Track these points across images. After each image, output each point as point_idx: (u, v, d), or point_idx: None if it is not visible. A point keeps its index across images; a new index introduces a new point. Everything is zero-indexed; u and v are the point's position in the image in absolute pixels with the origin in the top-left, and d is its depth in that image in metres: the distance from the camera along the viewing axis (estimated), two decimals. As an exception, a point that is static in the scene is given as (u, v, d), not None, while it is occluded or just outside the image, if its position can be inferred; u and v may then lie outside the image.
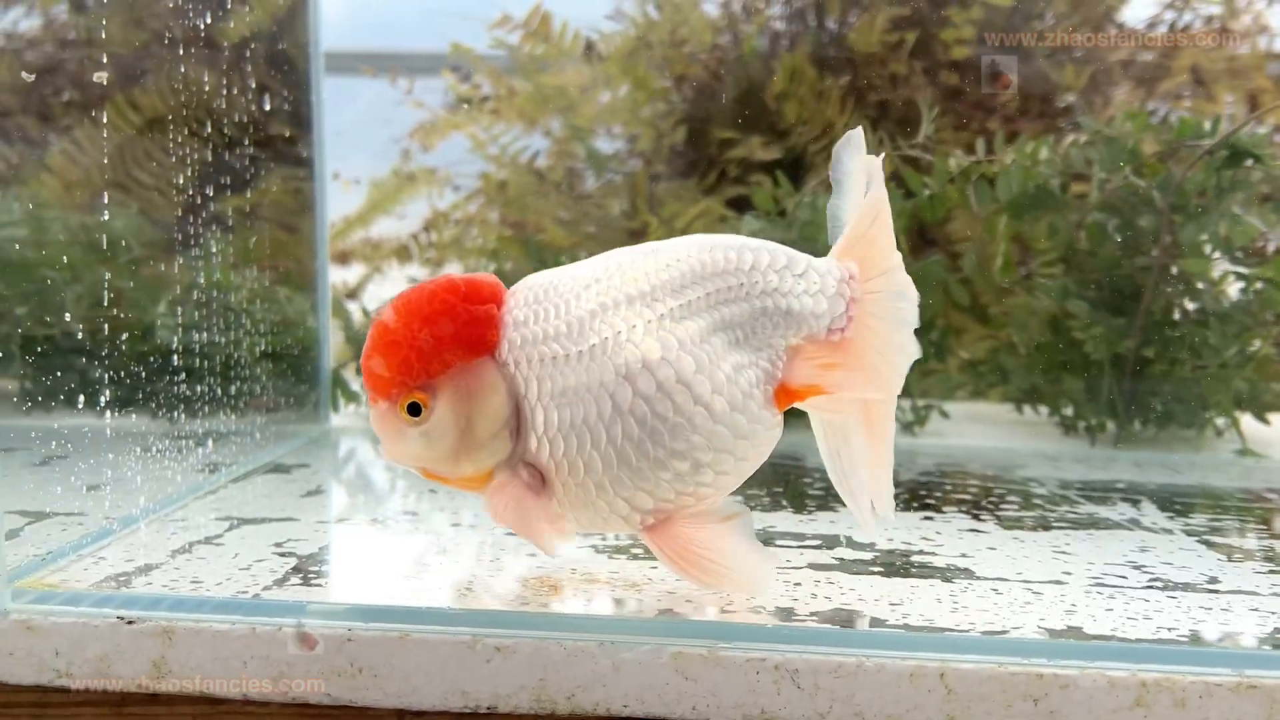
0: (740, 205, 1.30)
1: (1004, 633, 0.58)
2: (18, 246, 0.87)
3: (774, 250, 0.60)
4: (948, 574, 0.67)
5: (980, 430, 1.13)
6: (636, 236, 1.36)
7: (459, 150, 1.53)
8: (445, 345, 0.58)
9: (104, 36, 0.81)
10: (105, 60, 0.80)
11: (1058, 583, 0.66)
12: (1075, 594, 0.64)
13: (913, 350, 0.61)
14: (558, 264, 0.66)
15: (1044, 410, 1.11)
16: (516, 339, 0.59)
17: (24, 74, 0.78)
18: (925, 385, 1.14)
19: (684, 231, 1.32)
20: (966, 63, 1.27)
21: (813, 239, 1.12)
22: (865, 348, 0.60)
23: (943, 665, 0.55)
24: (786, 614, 0.60)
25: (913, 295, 0.61)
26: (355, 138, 1.51)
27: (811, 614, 0.60)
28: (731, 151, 1.34)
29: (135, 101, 0.90)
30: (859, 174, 0.62)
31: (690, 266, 0.59)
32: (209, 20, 0.88)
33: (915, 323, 0.61)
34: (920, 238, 1.25)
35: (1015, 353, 1.11)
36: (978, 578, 0.67)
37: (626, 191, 1.45)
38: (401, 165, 1.59)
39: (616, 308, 0.58)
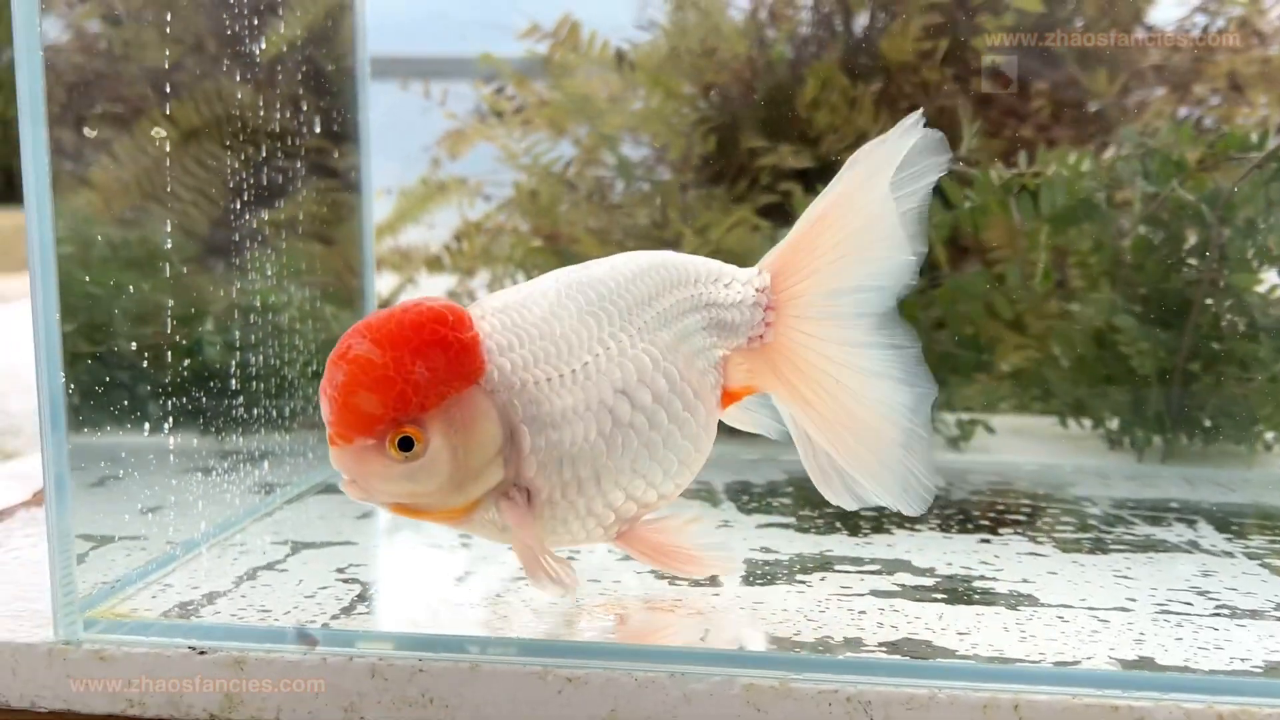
0: (771, 213, 1.30)
1: (1075, 663, 0.58)
2: (91, 267, 0.88)
3: (706, 263, 0.65)
4: (1012, 601, 0.67)
5: (1024, 445, 1.13)
6: (671, 247, 1.36)
7: (488, 159, 1.52)
8: (441, 378, 0.56)
9: (160, 53, 0.81)
10: (165, 79, 0.81)
11: (1123, 610, 0.66)
12: (1142, 622, 0.64)
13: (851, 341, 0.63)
14: None
15: (1087, 423, 1.10)
16: (506, 365, 0.58)
17: (86, 130, 0.79)
18: (968, 399, 1.14)
19: (719, 241, 1.31)
20: (998, 70, 1.26)
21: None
22: (783, 353, 0.64)
23: (1016, 697, 0.55)
24: (854, 644, 0.60)
25: (849, 287, 0.63)
26: (381, 145, 1.51)
27: (880, 644, 0.60)
28: (762, 159, 1.34)
29: (184, 115, 0.90)
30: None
31: (651, 280, 0.62)
32: (259, 37, 0.88)
33: (845, 314, 0.63)
34: (953, 246, 1.25)
35: (1057, 366, 1.10)
36: (1042, 605, 0.66)
37: (657, 201, 1.44)
38: (430, 174, 1.59)
39: (600, 324, 0.60)
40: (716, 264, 0.65)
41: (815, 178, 1.25)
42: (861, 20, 1.39)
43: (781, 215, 1.24)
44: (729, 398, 0.66)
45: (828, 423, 0.63)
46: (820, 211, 0.63)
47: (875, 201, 0.62)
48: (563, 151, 1.46)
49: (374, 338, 0.56)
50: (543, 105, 1.46)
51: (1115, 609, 0.66)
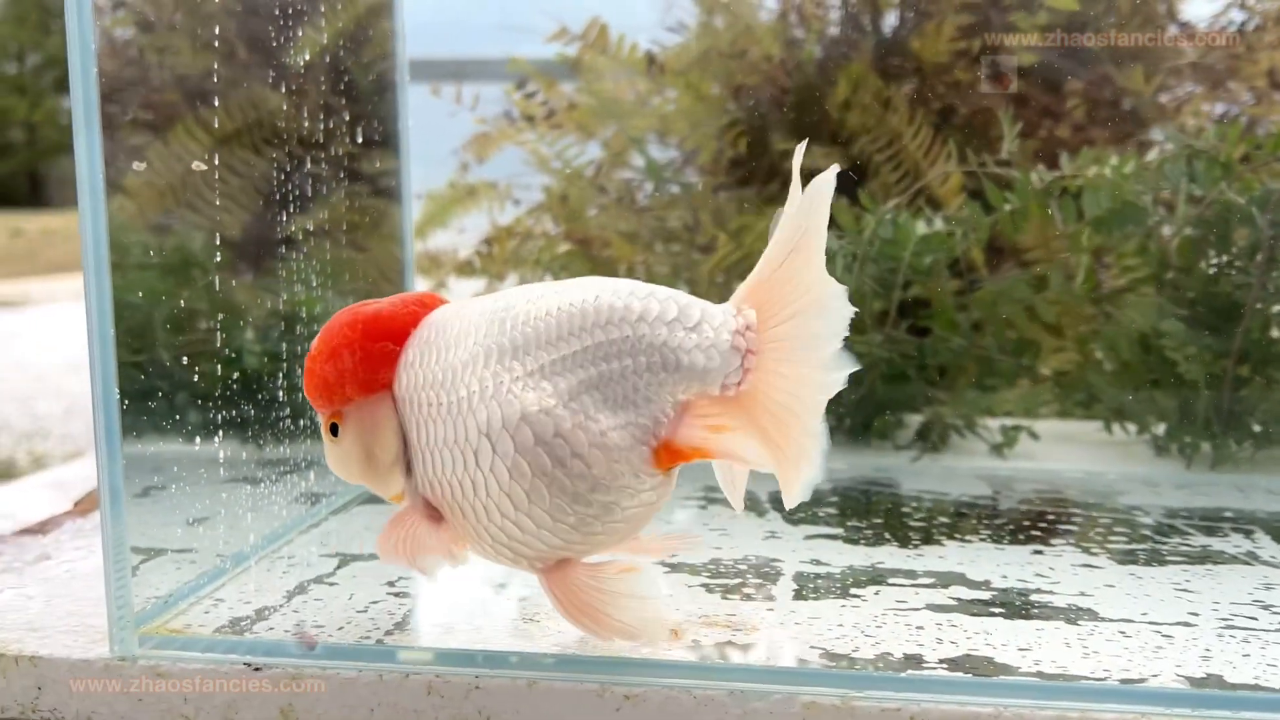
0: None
1: (1142, 681, 0.57)
2: (129, 274, 0.87)
3: (665, 299, 0.56)
4: (1071, 615, 0.66)
5: (1069, 451, 1.11)
6: (705, 252, 1.35)
7: (516, 163, 1.52)
8: (346, 380, 0.60)
9: (207, 61, 0.81)
10: (215, 94, 0.81)
11: (1186, 624, 0.64)
12: (1207, 637, 0.62)
13: (828, 388, 0.53)
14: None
15: (1132, 429, 1.09)
16: (405, 380, 0.60)
17: (135, 164, 0.79)
18: (1009, 403, 1.12)
19: (752, 245, 1.31)
20: (1031, 70, 1.25)
21: (895, 257, 1.11)
22: (762, 401, 0.55)
23: (1083, 716, 0.54)
24: (915, 661, 0.59)
25: (832, 333, 0.53)
26: (411, 148, 1.50)
27: (940, 660, 0.59)
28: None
29: (223, 124, 0.90)
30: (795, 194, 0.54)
31: (571, 316, 0.56)
32: (301, 45, 0.88)
33: (835, 366, 0.53)
34: (991, 250, 1.23)
35: (1101, 370, 1.09)
36: (1103, 619, 0.65)
37: (688, 204, 1.44)
38: (459, 177, 1.58)
39: (488, 360, 0.57)
40: (685, 303, 0.56)
41: (848, 180, 1.24)
42: (891, 20, 1.38)
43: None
44: (674, 455, 0.56)
45: (791, 463, 0.54)
46: (798, 242, 0.53)
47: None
48: (592, 155, 1.45)
49: (324, 328, 0.61)
50: (572, 108, 1.46)
51: (1178, 624, 0.64)
